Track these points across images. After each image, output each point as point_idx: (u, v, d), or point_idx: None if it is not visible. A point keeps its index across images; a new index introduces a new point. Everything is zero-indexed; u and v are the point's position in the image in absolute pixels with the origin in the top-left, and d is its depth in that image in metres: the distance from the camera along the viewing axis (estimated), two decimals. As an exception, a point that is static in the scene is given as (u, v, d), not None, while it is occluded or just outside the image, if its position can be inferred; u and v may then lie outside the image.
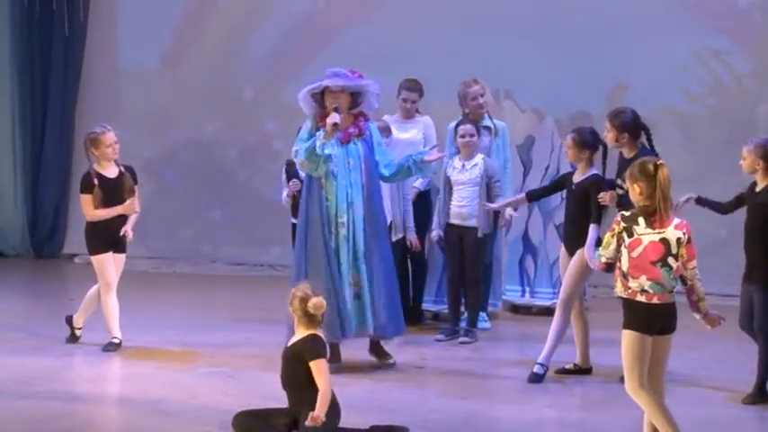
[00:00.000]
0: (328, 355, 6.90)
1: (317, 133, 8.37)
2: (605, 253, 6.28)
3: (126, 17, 13.55)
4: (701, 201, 8.13)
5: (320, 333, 6.79)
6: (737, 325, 7.89)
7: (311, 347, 6.66)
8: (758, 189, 7.79)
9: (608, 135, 8.24)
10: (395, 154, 9.90)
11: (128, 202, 8.94)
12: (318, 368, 6.61)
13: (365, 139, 8.56)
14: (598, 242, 8.23)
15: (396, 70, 10.63)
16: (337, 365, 8.27)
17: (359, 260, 8.44)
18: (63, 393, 7.74)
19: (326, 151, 8.32)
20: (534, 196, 8.98)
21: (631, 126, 8.19)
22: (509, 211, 9.46)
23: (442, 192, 9.71)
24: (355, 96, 8.52)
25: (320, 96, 8.50)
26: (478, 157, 9.57)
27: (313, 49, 12.73)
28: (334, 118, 8.31)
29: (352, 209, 8.43)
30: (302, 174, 9.64)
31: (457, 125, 9.70)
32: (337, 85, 8.41)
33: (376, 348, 8.77)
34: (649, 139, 8.30)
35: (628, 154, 8.15)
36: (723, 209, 8.13)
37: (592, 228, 8.24)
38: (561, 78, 11.86)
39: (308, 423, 6.42)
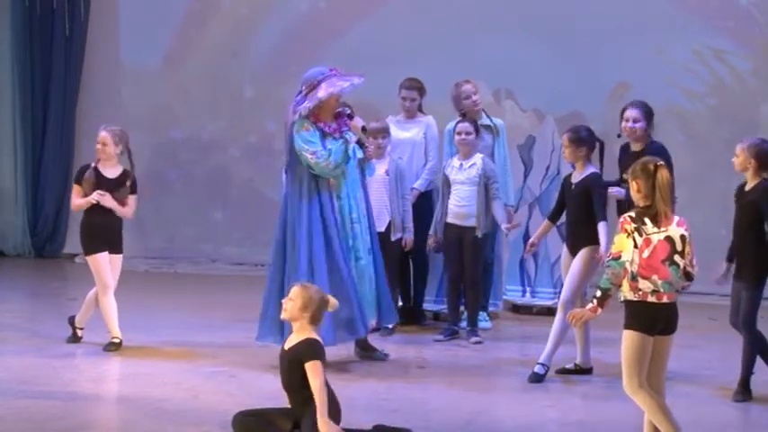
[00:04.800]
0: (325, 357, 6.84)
1: (347, 136, 8.51)
2: (626, 256, 6.19)
3: (127, 16, 13.55)
4: (732, 258, 8.01)
5: (316, 335, 6.77)
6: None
7: (309, 350, 6.64)
8: (747, 188, 7.82)
9: (638, 124, 8.28)
10: (396, 153, 9.95)
11: (93, 195, 8.85)
12: (314, 369, 6.59)
13: None
14: (583, 244, 8.28)
15: (396, 70, 10.63)
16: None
17: (369, 253, 8.64)
18: (63, 393, 7.73)
19: (358, 154, 8.60)
20: (555, 216, 8.79)
21: (651, 115, 8.28)
22: (504, 225, 9.44)
23: (441, 192, 9.70)
24: None
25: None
26: (477, 157, 9.55)
27: (314, 49, 12.72)
28: (360, 121, 8.61)
29: (359, 205, 8.63)
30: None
31: (456, 123, 9.69)
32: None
33: (364, 345, 8.87)
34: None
35: (639, 147, 8.16)
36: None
37: (603, 225, 8.21)
38: (562, 78, 11.86)
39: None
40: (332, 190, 8.52)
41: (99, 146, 9.01)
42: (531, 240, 8.94)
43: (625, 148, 8.43)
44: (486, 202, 9.47)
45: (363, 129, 8.64)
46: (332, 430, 6.49)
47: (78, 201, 8.98)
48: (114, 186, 8.96)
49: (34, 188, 13.77)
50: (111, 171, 9.02)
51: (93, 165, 9.00)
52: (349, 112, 8.64)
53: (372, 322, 8.76)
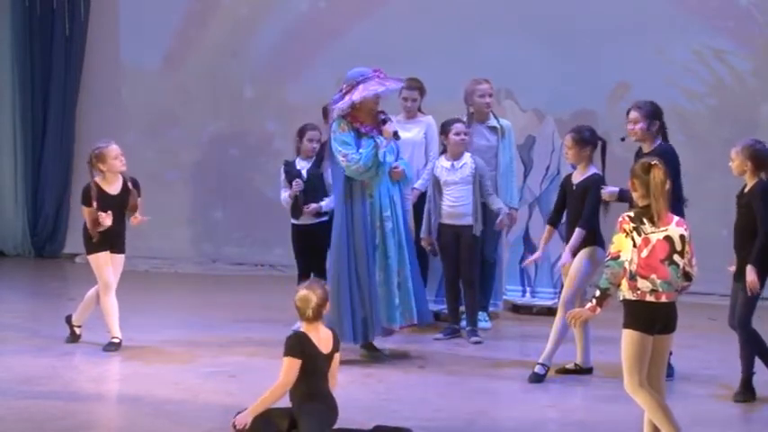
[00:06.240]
0: (300, 352, 6.65)
1: (378, 140, 8.63)
2: (625, 255, 6.21)
3: (127, 16, 13.54)
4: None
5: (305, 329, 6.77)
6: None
7: (286, 344, 6.65)
8: (746, 190, 7.83)
9: (637, 126, 8.18)
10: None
11: (100, 217, 8.83)
12: (283, 364, 6.61)
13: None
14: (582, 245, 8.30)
15: (396, 70, 10.55)
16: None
17: (403, 251, 8.74)
18: (63, 393, 7.74)
19: (389, 159, 8.71)
20: (555, 220, 8.75)
21: (659, 115, 8.25)
22: (502, 216, 9.49)
23: (432, 193, 9.67)
24: None
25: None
26: (467, 156, 9.56)
27: (314, 50, 12.73)
28: (393, 127, 8.73)
29: (394, 203, 8.75)
30: (303, 174, 9.69)
31: (447, 123, 9.65)
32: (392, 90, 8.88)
33: (368, 344, 8.90)
34: (664, 134, 8.35)
35: (648, 148, 8.18)
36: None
37: (578, 232, 8.26)
38: (562, 78, 11.86)
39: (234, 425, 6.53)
40: (365, 189, 8.67)
41: (121, 158, 8.94)
42: (536, 254, 8.91)
43: (639, 150, 8.41)
44: (481, 199, 9.48)
45: (395, 134, 8.76)
46: (240, 422, 6.51)
47: (94, 230, 8.89)
48: (120, 201, 8.95)
49: (34, 188, 13.75)
50: (115, 186, 8.98)
51: (93, 185, 8.93)
52: (384, 117, 8.71)
53: (395, 325, 8.83)
